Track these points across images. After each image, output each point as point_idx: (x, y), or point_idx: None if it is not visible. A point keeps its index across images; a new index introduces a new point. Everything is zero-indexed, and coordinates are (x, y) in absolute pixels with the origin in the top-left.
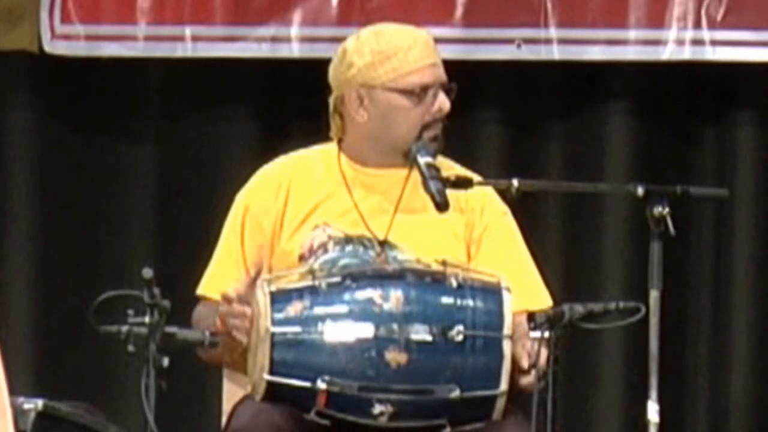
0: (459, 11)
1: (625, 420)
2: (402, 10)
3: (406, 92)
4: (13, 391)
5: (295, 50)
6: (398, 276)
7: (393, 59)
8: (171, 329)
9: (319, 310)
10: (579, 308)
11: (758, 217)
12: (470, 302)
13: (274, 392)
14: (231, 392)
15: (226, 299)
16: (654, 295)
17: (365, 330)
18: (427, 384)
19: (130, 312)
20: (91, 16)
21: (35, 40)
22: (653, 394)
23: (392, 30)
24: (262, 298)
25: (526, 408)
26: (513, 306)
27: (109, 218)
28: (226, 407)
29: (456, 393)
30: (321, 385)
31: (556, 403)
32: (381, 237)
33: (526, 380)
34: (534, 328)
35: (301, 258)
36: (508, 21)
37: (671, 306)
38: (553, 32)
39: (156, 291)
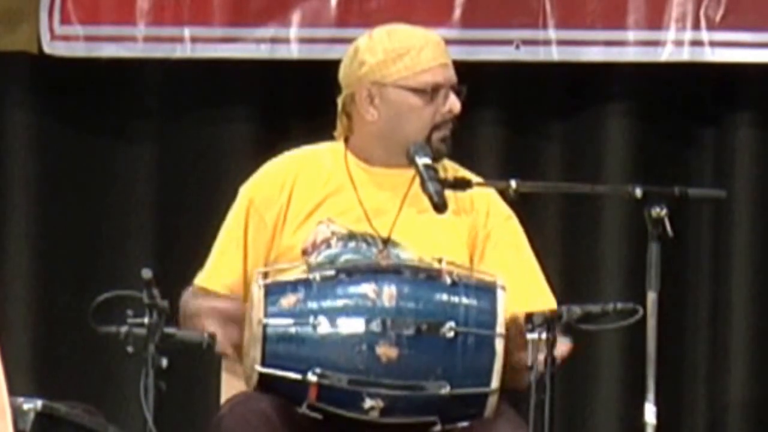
0: (457, 12)
1: (623, 421)
2: (401, 11)
3: (418, 91)
4: (13, 391)
5: (294, 51)
6: (393, 271)
7: (405, 57)
8: (170, 330)
9: (312, 304)
10: (577, 309)
11: (756, 218)
12: (464, 299)
13: (266, 384)
14: (230, 392)
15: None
16: (651, 296)
17: (357, 324)
18: (418, 380)
19: (129, 312)
20: (91, 17)
21: (35, 41)
22: (650, 395)
23: (405, 30)
24: (257, 291)
25: (522, 409)
26: (517, 309)
27: (109, 218)
28: None
29: (446, 389)
30: (312, 377)
31: (554, 405)
32: (385, 235)
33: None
34: (531, 329)
35: (304, 253)
36: (506, 22)
37: (669, 308)
38: (552, 33)
39: (155, 292)
